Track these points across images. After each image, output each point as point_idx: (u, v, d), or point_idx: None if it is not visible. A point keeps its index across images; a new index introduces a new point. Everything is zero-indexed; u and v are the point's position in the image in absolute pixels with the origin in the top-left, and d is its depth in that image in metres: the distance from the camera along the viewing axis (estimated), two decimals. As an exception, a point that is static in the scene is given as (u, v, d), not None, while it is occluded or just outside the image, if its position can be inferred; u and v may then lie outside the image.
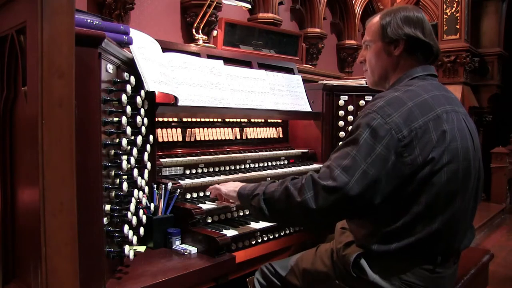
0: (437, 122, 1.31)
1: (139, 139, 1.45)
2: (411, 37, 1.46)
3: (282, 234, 1.87)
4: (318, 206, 1.28)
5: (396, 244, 1.31)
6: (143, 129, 1.52)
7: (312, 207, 1.29)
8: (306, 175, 1.35)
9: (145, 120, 1.54)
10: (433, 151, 1.28)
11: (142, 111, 1.53)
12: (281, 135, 2.65)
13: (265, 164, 2.34)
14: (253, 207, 1.49)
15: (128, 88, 1.38)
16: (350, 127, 2.55)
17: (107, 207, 1.27)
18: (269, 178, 2.19)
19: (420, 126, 1.28)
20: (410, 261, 1.34)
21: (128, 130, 1.33)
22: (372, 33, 1.54)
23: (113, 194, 1.31)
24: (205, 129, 2.21)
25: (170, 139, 2.05)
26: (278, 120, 2.63)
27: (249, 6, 3.32)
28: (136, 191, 1.41)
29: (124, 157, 1.32)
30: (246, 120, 2.42)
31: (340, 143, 1.40)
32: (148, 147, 1.61)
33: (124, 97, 1.33)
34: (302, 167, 2.38)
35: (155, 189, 1.65)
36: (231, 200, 1.74)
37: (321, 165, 2.36)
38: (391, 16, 1.50)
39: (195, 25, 2.97)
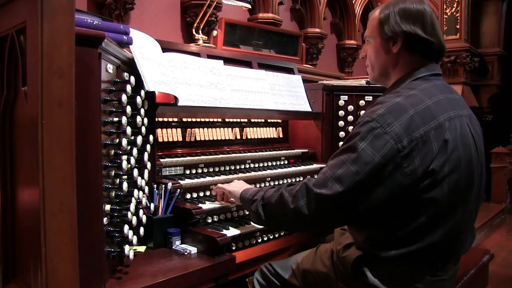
0: (439, 131, 1.26)
1: (139, 139, 1.45)
2: (409, 34, 1.39)
3: (282, 234, 1.86)
4: (310, 213, 1.30)
5: (395, 251, 1.29)
6: (143, 129, 1.52)
7: (304, 213, 1.31)
8: (301, 182, 1.36)
9: (145, 120, 1.54)
10: (434, 162, 1.23)
11: (142, 111, 1.53)
12: (281, 135, 2.65)
13: (265, 164, 2.34)
14: (251, 211, 1.54)
15: (128, 88, 1.38)
16: (350, 127, 2.59)
17: (107, 207, 1.27)
18: (269, 178, 2.19)
19: (421, 136, 1.23)
20: (410, 267, 1.33)
21: (128, 130, 1.33)
22: (371, 28, 1.48)
23: (113, 194, 1.31)
24: (205, 129, 2.21)
25: (170, 139, 2.05)
26: (278, 120, 2.63)
27: (249, 6, 3.32)
28: (136, 191, 1.41)
29: (124, 157, 1.32)
30: (246, 120, 2.42)
31: (340, 143, 1.40)
32: (148, 147, 1.61)
33: (124, 97, 1.33)
34: (302, 167, 2.37)
35: (155, 189, 1.65)
36: (232, 199, 1.77)
37: (321, 165, 2.39)
38: (389, 10, 1.42)
39: (195, 25, 2.97)
